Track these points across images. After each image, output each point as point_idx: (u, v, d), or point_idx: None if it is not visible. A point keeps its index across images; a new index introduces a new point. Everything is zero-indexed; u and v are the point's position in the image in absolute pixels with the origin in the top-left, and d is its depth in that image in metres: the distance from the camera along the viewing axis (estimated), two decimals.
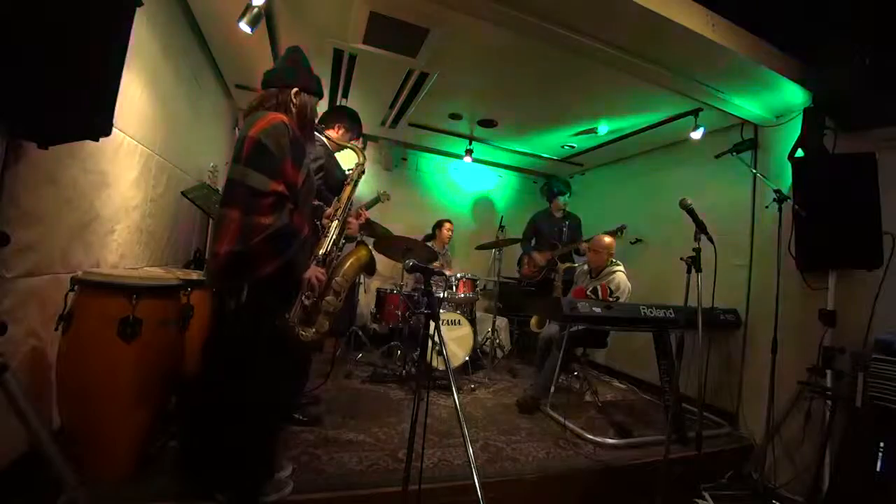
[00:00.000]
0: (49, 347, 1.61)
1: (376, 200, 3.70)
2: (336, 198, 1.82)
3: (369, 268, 1.83)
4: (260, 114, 1.50)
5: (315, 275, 1.53)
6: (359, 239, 3.64)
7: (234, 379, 1.45)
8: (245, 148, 1.42)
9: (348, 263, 1.74)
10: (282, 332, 1.51)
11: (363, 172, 1.86)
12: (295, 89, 1.58)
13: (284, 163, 1.43)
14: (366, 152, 2.00)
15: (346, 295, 1.72)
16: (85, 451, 1.53)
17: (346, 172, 2.60)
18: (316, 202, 1.79)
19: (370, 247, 1.86)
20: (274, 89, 1.58)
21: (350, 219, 1.80)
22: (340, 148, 2.49)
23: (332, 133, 2.33)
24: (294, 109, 1.59)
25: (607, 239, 3.33)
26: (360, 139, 2.59)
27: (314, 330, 1.58)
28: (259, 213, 1.37)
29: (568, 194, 4.29)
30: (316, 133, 1.95)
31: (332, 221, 1.72)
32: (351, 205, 1.79)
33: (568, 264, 3.87)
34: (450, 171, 5.29)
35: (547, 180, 5.62)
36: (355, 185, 1.82)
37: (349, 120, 2.46)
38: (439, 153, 5.12)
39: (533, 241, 4.39)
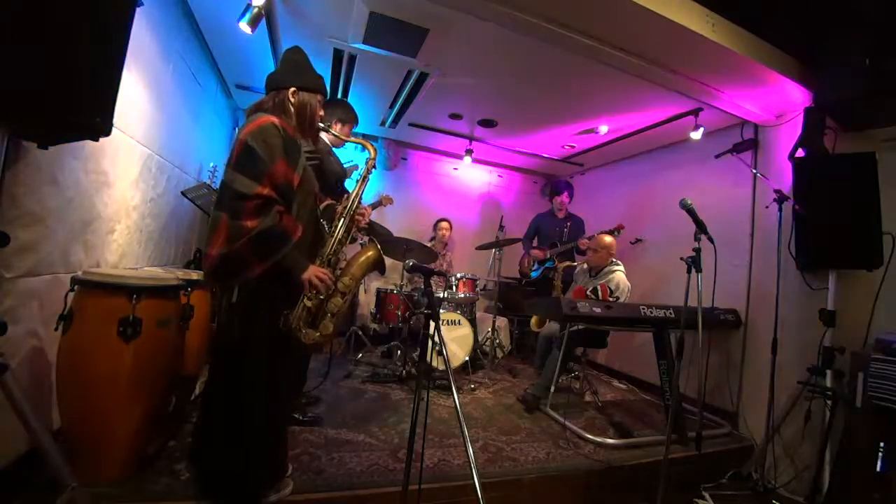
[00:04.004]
0: (49, 347, 1.61)
1: (378, 203, 3.70)
2: (345, 195, 1.78)
3: (379, 267, 1.80)
4: (253, 116, 1.50)
5: (315, 275, 1.51)
6: (358, 240, 3.65)
7: (231, 379, 1.45)
8: (234, 151, 1.43)
9: (357, 264, 1.71)
10: (284, 333, 1.50)
11: (374, 167, 1.82)
12: (292, 89, 1.58)
13: (275, 165, 1.42)
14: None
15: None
16: (85, 451, 1.53)
17: (346, 166, 2.59)
18: (329, 200, 1.76)
19: (377, 245, 1.82)
20: (273, 91, 1.58)
21: (357, 216, 1.76)
22: (342, 143, 2.46)
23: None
24: (292, 109, 1.58)
25: (608, 238, 3.33)
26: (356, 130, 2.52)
27: (318, 332, 1.56)
28: (244, 217, 1.37)
29: (567, 193, 4.28)
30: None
31: (339, 220, 1.69)
32: (360, 202, 1.76)
33: (567, 263, 3.87)
34: (450, 171, 5.29)
35: (547, 180, 5.64)
36: (365, 182, 1.77)
37: (343, 111, 2.43)
38: (439, 153, 5.13)
39: (535, 242, 4.39)
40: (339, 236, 1.67)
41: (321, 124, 1.74)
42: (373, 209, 2.97)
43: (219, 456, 1.46)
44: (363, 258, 1.74)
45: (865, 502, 1.94)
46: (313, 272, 1.51)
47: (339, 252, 1.68)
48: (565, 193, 4.26)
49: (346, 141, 2.10)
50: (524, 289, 4.44)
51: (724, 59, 2.34)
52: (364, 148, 1.83)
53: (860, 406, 2.05)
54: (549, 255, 4.15)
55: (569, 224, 4.21)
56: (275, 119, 1.48)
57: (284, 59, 1.65)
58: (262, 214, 1.38)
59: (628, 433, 2.63)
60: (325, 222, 1.75)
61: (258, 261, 1.39)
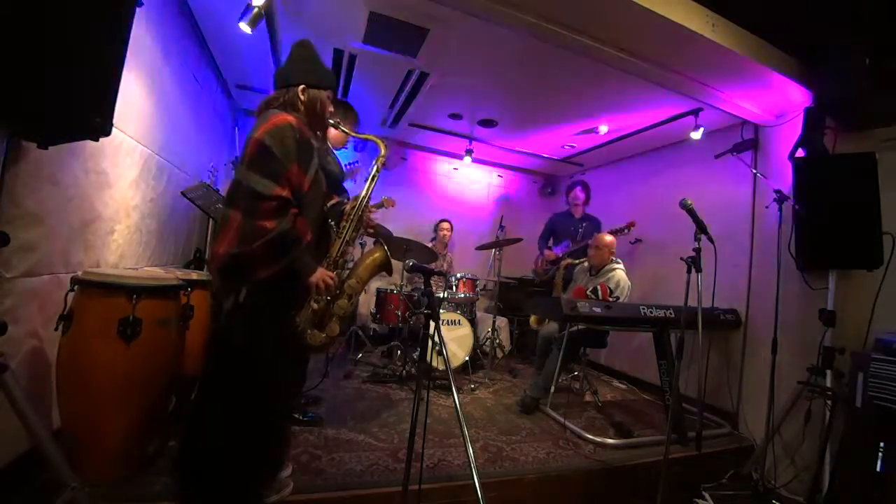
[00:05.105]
0: (49, 347, 1.61)
1: (379, 206, 3.69)
2: (353, 196, 1.76)
3: (386, 268, 1.78)
4: (267, 114, 1.46)
5: (323, 278, 1.49)
6: (357, 240, 3.63)
7: (229, 379, 1.44)
8: (249, 150, 1.40)
9: (363, 265, 1.70)
10: (290, 335, 1.50)
11: (384, 165, 1.79)
12: (301, 86, 1.55)
13: (290, 166, 1.40)
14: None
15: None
16: (84, 451, 1.53)
17: (346, 167, 2.58)
18: (335, 199, 1.75)
19: (385, 247, 1.81)
20: (282, 88, 1.56)
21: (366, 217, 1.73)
22: (344, 144, 2.44)
23: (332, 130, 2.28)
24: (302, 107, 1.56)
25: (608, 237, 3.33)
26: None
27: (324, 334, 1.56)
28: (261, 217, 1.34)
29: (581, 189, 4.20)
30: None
31: (347, 221, 1.66)
32: (369, 201, 1.73)
33: (569, 260, 3.85)
34: (450, 171, 5.29)
35: (547, 180, 5.64)
36: (375, 180, 1.74)
37: (343, 112, 2.38)
38: (439, 153, 5.13)
39: (550, 241, 4.37)
40: (347, 237, 1.65)
41: (330, 120, 1.71)
42: (376, 209, 2.96)
43: (216, 458, 1.45)
44: (369, 260, 1.73)
45: (865, 502, 1.94)
46: (321, 275, 1.49)
47: (347, 253, 1.67)
48: (578, 188, 4.18)
49: (350, 136, 2.08)
50: (535, 289, 4.41)
51: (725, 59, 2.34)
52: (366, 144, 1.81)
53: (860, 406, 2.05)
54: (561, 256, 4.12)
55: (584, 224, 4.13)
56: (291, 119, 1.44)
57: (292, 54, 1.62)
58: (280, 216, 1.36)
59: (628, 433, 2.63)
60: (332, 222, 1.73)
61: (270, 263, 1.37)
